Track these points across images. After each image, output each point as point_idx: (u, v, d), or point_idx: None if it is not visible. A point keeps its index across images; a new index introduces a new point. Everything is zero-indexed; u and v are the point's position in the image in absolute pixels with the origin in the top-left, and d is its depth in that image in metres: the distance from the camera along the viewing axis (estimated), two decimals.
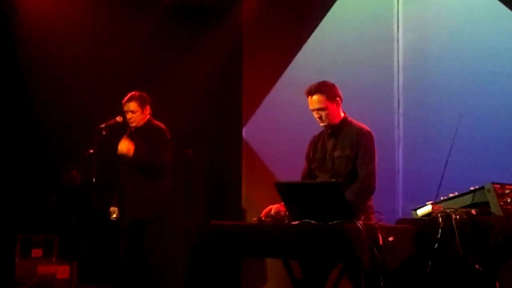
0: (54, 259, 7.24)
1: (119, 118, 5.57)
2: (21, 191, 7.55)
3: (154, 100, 5.84)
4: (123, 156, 5.46)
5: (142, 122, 5.62)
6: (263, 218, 4.20)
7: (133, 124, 5.59)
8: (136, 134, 5.58)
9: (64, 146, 7.40)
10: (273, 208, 4.27)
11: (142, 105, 5.58)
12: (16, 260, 7.25)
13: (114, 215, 5.63)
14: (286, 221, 4.00)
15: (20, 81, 7.69)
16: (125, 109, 5.61)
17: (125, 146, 5.45)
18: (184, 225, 7.31)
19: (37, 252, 7.23)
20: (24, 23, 7.54)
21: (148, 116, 5.67)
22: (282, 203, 4.12)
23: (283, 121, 7.34)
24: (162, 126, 5.65)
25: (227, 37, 7.80)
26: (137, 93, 5.64)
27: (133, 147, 5.43)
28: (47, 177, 7.33)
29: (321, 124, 4.55)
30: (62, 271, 7.07)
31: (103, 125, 5.50)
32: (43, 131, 7.70)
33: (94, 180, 5.48)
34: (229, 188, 7.95)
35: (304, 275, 4.35)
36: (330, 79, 4.62)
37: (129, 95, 5.63)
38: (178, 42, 7.83)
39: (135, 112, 5.56)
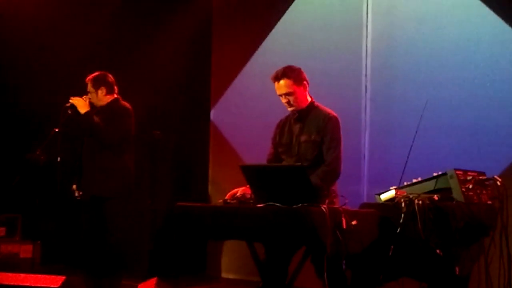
0: (17, 238, 7.19)
1: (84, 98, 5.53)
2: None
3: (123, 81, 5.80)
4: (69, 112, 5.41)
5: (100, 102, 5.60)
6: (228, 201, 4.20)
7: (94, 101, 5.59)
8: (98, 112, 5.57)
9: (29, 125, 7.33)
10: (239, 190, 4.27)
11: (96, 86, 5.58)
12: None
13: (77, 194, 5.60)
14: (252, 204, 4.02)
15: None
16: (88, 86, 5.64)
17: (79, 101, 5.43)
18: (150, 206, 7.30)
19: (0, 231, 7.18)
20: None
21: (112, 97, 5.64)
22: (248, 186, 4.14)
23: (251, 105, 7.34)
24: (127, 105, 5.62)
25: (196, 19, 7.77)
26: (94, 74, 5.62)
27: (87, 108, 5.41)
28: (11, 156, 7.25)
29: (289, 109, 4.55)
30: (25, 250, 7.03)
31: (68, 104, 5.45)
32: (8, 110, 7.62)
33: (59, 159, 5.43)
34: (196, 170, 7.95)
35: (267, 257, 4.38)
36: (299, 64, 4.61)
37: (88, 76, 5.63)
38: (147, 23, 7.78)
39: (90, 93, 5.57)
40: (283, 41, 7.18)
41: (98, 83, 5.60)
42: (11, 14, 7.41)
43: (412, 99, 6.03)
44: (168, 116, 7.79)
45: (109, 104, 5.62)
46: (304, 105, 4.54)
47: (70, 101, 5.45)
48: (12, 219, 7.25)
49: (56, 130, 5.46)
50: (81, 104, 5.43)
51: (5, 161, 7.35)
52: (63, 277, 5.06)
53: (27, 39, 7.43)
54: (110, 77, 5.67)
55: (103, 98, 5.61)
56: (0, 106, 7.61)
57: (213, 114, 7.81)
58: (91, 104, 5.54)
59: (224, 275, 7.54)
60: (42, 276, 5.11)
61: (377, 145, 6.34)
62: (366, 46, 6.54)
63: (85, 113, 5.41)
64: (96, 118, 5.45)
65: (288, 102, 4.50)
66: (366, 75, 6.49)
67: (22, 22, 7.42)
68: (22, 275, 5.15)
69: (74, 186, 5.65)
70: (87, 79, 5.63)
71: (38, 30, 7.44)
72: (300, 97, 4.50)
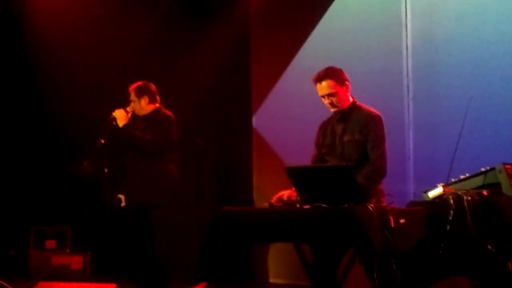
0: (67, 250, 7.29)
1: (128, 109, 5.62)
2: (34, 184, 7.61)
3: (164, 92, 5.87)
4: (114, 124, 5.50)
5: (143, 111, 5.67)
6: (274, 204, 4.20)
7: (136, 111, 5.66)
8: (141, 121, 5.64)
9: (75, 138, 7.44)
10: (285, 194, 4.26)
11: (139, 95, 5.66)
12: (30, 252, 7.33)
13: (122, 203, 5.67)
14: (298, 206, 4.01)
15: (29, 77, 7.75)
16: (130, 96, 5.72)
17: (120, 113, 5.50)
18: (196, 215, 7.34)
19: (50, 243, 7.29)
20: (32, 19, 7.60)
21: (154, 106, 5.71)
22: (293, 189, 4.13)
23: (292, 109, 7.33)
24: (169, 113, 5.69)
25: (234, 26, 7.79)
26: (137, 83, 5.70)
27: (126, 121, 5.48)
28: (59, 169, 7.37)
29: (332, 110, 4.54)
30: (76, 262, 7.13)
31: (111, 117, 5.53)
32: (55, 125, 7.75)
33: (106, 170, 5.51)
34: (240, 177, 7.96)
35: (316, 259, 4.36)
36: (339, 66, 4.61)
37: (131, 84, 5.71)
38: (186, 33, 7.84)
39: (134, 102, 5.65)
40: (322, 44, 7.16)
41: (141, 92, 5.67)
42: (54, 27, 7.56)
43: (455, 97, 5.95)
44: (210, 124, 7.84)
45: (152, 113, 5.69)
46: (346, 105, 4.52)
47: (113, 113, 5.53)
48: (62, 231, 7.37)
49: (102, 141, 5.54)
50: (121, 117, 5.51)
51: (54, 174, 7.46)
52: (114, 285, 5.11)
53: (69, 52, 7.57)
54: (153, 86, 5.74)
55: (146, 107, 5.68)
56: (46, 119, 7.75)
57: (255, 120, 7.83)
58: (133, 114, 5.62)
59: (272, 280, 7.53)
60: (93, 284, 5.18)
61: (422, 144, 6.27)
62: (407, 45, 6.48)
63: (123, 126, 5.48)
64: (134, 131, 5.52)
65: (331, 103, 4.48)
66: (407, 74, 6.44)
67: (65, 35, 7.56)
68: (74, 284, 5.23)
69: (119, 196, 5.72)
70: (130, 88, 5.71)
71: (81, 44, 7.57)
72: (343, 97, 4.49)
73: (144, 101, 5.66)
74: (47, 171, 7.62)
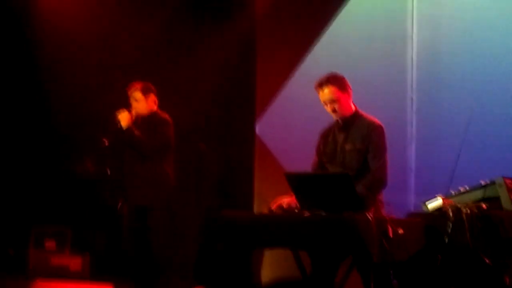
0: (67, 251, 7.29)
1: (132, 109, 5.64)
2: (35, 183, 7.61)
3: (167, 95, 5.90)
4: (119, 125, 5.52)
5: (146, 111, 5.69)
6: (273, 210, 4.21)
7: (137, 111, 5.67)
8: (140, 124, 5.66)
9: (75, 138, 7.44)
10: (285, 201, 4.27)
11: (145, 93, 5.68)
12: (30, 251, 7.33)
13: (120, 204, 5.69)
14: (297, 212, 4.02)
15: (30, 75, 7.76)
16: (130, 98, 5.70)
17: (124, 114, 5.52)
18: (196, 219, 7.33)
19: (50, 243, 7.29)
20: (36, 17, 7.63)
21: (154, 108, 5.73)
22: (293, 196, 4.14)
23: (296, 117, 7.33)
24: (166, 116, 5.72)
25: (240, 31, 7.80)
26: (141, 82, 5.73)
27: (129, 122, 5.49)
28: (60, 168, 7.38)
29: (335, 117, 4.54)
30: (75, 263, 7.12)
31: (116, 118, 5.55)
32: (55, 124, 7.75)
33: (108, 171, 5.54)
34: (241, 183, 7.95)
35: (314, 266, 4.37)
36: (344, 75, 4.61)
37: (133, 84, 5.72)
38: (191, 36, 7.85)
39: (139, 101, 5.65)
40: (327, 54, 7.17)
41: (147, 91, 5.70)
42: (58, 25, 7.57)
43: (458, 110, 5.97)
44: (213, 129, 7.84)
45: (150, 116, 5.71)
46: (348, 113, 4.52)
47: (117, 114, 5.55)
48: (62, 231, 7.37)
49: (106, 143, 5.56)
50: (124, 118, 5.53)
51: (54, 173, 7.47)
52: (111, 285, 5.12)
53: (70, 52, 7.57)
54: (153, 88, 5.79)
55: (152, 105, 5.70)
56: (46, 118, 7.75)
57: (258, 127, 7.83)
58: (132, 116, 5.63)
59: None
60: (91, 284, 5.18)
61: (424, 156, 6.28)
62: (412, 58, 6.50)
63: (127, 128, 5.50)
64: (137, 132, 5.54)
65: (333, 110, 4.48)
66: (412, 86, 6.45)
67: (67, 34, 7.57)
68: (71, 283, 5.24)
69: (118, 197, 5.75)
70: (134, 87, 5.71)
71: (84, 44, 7.58)
72: (345, 104, 4.49)
73: (150, 99, 5.70)
74: (48, 170, 7.62)
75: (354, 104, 4.58)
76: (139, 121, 5.70)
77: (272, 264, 7.46)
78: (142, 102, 5.67)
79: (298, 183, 3.96)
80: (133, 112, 5.63)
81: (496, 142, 5.78)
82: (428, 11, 6.46)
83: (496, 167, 5.54)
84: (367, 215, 3.62)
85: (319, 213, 3.74)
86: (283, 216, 4.04)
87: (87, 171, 5.70)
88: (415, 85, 6.46)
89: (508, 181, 4.11)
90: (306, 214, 3.83)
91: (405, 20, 6.59)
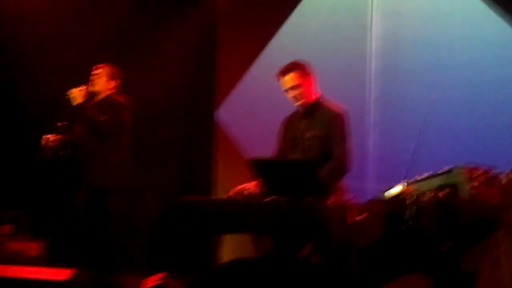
0: (25, 236, 7.20)
1: (81, 88, 5.55)
2: None
3: (127, 80, 5.86)
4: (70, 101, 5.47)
5: (103, 91, 5.65)
6: (233, 196, 4.21)
7: (95, 88, 5.62)
8: (95, 104, 5.61)
9: (33, 121, 7.33)
10: (246, 188, 4.27)
11: (108, 75, 5.65)
12: None
13: (76, 186, 5.65)
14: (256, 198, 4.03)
15: None
16: (93, 74, 5.67)
17: (75, 91, 5.46)
18: (155, 205, 7.31)
19: (7, 228, 7.19)
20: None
21: (111, 90, 5.70)
22: (256, 184, 4.14)
23: (257, 105, 7.35)
24: (122, 100, 5.68)
25: (203, 18, 7.78)
26: (113, 66, 5.71)
27: (81, 100, 5.44)
28: (18, 152, 7.27)
29: (296, 104, 4.55)
30: (33, 248, 7.02)
31: (66, 97, 5.48)
32: (13, 106, 7.63)
33: (64, 153, 5.48)
34: (201, 170, 7.95)
35: (275, 251, 4.38)
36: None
37: (105, 64, 5.71)
38: (153, 23, 7.79)
39: (99, 78, 5.63)
40: (288, 43, 7.19)
41: (114, 76, 5.68)
42: (18, 11, 7.46)
43: (417, 99, 6.04)
44: (172, 116, 7.80)
45: (105, 97, 5.67)
46: (310, 100, 4.53)
47: (68, 92, 5.48)
48: (20, 216, 7.26)
49: (59, 124, 5.50)
50: (75, 95, 5.45)
51: (11, 156, 7.35)
52: (70, 270, 5.07)
53: (36, 33, 7.46)
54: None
55: (111, 89, 5.66)
56: (5, 101, 7.62)
57: (218, 114, 7.82)
58: (89, 95, 5.57)
59: None
60: (49, 269, 5.13)
61: (383, 146, 6.35)
62: (371, 47, 6.56)
63: (78, 104, 5.42)
64: (89, 110, 5.48)
65: (295, 97, 4.50)
66: (370, 76, 6.51)
67: (28, 18, 7.46)
68: (29, 268, 5.17)
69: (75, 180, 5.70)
70: (100, 65, 5.68)
71: (48, 26, 7.47)
72: (307, 90, 4.50)
73: (113, 83, 5.66)
74: (5, 153, 7.49)
75: (318, 91, 4.59)
76: (94, 101, 5.65)
77: (232, 249, 7.48)
78: (102, 79, 5.63)
79: (263, 168, 3.98)
80: (88, 89, 5.56)
81: (456, 132, 5.88)
82: (389, 1, 6.52)
83: (456, 154, 5.66)
84: (327, 201, 3.65)
85: (279, 199, 3.76)
86: (242, 201, 4.04)
87: (44, 154, 5.61)
88: (374, 74, 6.52)
89: (465, 170, 4.16)
90: (266, 199, 3.85)
91: (366, 9, 6.64)
